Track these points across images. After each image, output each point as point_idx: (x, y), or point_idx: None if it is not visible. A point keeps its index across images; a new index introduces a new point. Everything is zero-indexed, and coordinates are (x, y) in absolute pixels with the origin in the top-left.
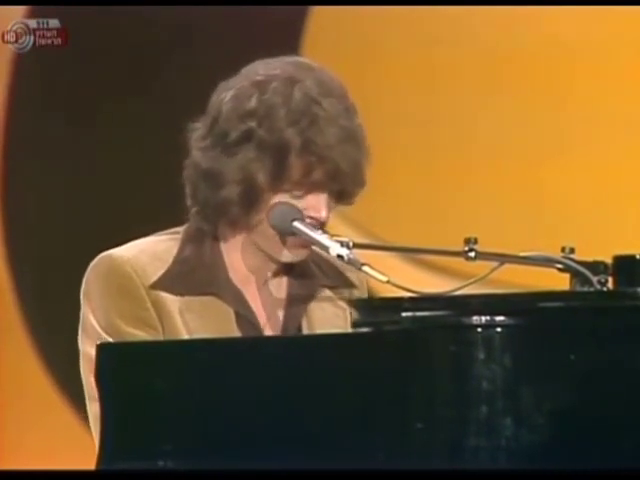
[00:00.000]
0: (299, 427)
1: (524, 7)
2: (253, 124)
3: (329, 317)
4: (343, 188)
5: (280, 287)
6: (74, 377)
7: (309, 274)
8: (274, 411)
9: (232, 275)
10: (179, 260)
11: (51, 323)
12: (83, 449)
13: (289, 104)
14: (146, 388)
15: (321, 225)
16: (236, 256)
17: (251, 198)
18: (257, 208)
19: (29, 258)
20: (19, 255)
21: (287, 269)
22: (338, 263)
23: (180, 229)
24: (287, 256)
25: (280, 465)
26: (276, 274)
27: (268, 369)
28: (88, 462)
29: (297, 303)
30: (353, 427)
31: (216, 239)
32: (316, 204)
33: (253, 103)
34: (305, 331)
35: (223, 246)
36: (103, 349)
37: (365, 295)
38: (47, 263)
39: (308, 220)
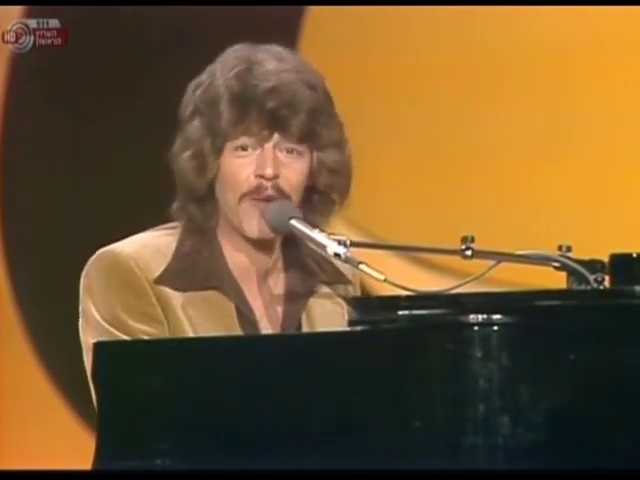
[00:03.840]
0: (296, 426)
1: (521, 8)
2: (197, 98)
3: (328, 313)
4: (292, 131)
5: (278, 282)
6: (72, 378)
7: (308, 270)
8: (271, 410)
9: (233, 269)
10: (179, 256)
11: (49, 324)
12: (82, 449)
13: (224, 64)
14: (143, 387)
15: (273, 183)
16: (234, 250)
17: (201, 162)
18: (209, 174)
19: (27, 259)
20: (17, 257)
21: (286, 264)
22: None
23: (178, 224)
24: (248, 230)
25: (277, 464)
26: (275, 269)
27: (265, 368)
28: (87, 462)
29: (296, 299)
30: (350, 426)
31: (214, 233)
32: (260, 159)
33: (199, 79)
34: (305, 327)
35: (222, 240)
36: (100, 348)
37: (358, 291)
38: (45, 264)
39: (257, 181)
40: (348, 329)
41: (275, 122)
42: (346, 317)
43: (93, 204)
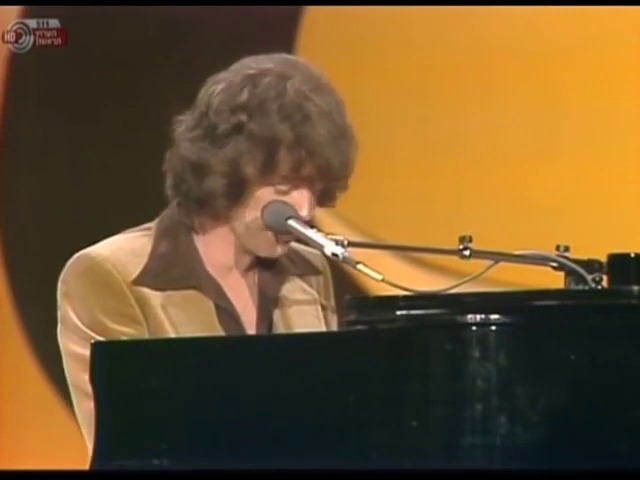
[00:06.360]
0: (294, 426)
1: (517, 8)
2: (244, 117)
3: (300, 305)
4: (330, 186)
5: (253, 278)
6: None
7: (279, 264)
8: (268, 410)
9: (209, 267)
10: (155, 256)
11: (48, 324)
12: (80, 449)
13: (282, 99)
14: (141, 386)
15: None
16: (213, 248)
17: (236, 190)
18: (241, 201)
19: (26, 259)
20: (16, 256)
21: (259, 260)
22: (303, 250)
23: (151, 225)
24: (265, 251)
25: (274, 464)
26: (251, 265)
27: (262, 367)
28: (84, 462)
29: (268, 293)
30: (347, 426)
31: (189, 232)
32: (299, 201)
33: (244, 96)
34: (278, 320)
35: (198, 239)
36: (98, 348)
37: (330, 281)
38: (44, 264)
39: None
40: (346, 329)
41: (324, 171)
42: (319, 309)
43: (93, 204)
